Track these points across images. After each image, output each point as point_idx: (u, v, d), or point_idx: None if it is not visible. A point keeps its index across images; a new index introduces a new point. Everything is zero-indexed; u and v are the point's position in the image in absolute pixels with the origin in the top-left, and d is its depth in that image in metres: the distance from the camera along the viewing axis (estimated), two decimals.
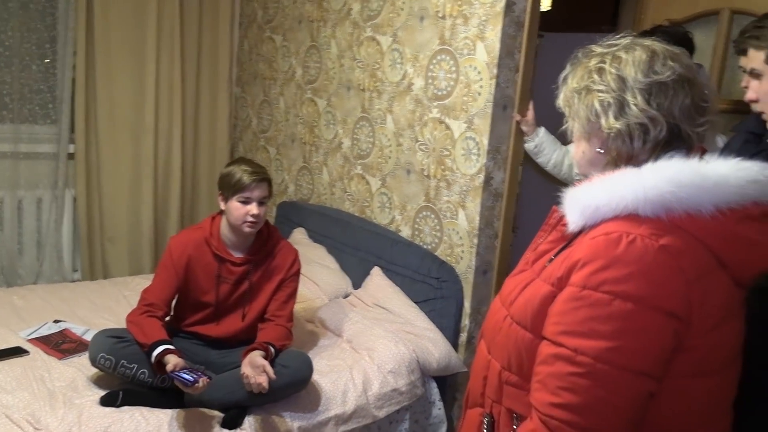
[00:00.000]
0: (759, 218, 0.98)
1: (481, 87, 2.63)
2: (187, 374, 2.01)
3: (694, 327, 0.94)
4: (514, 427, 1.07)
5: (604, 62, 1.05)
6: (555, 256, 1.07)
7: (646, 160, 1.01)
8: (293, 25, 3.83)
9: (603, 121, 1.04)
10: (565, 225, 1.07)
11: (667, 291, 0.93)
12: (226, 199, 2.33)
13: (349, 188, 3.46)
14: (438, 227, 2.90)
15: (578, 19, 3.65)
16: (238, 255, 2.39)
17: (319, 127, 3.66)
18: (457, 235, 2.80)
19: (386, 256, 3.04)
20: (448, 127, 2.80)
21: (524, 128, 2.65)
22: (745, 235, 0.97)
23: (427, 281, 2.82)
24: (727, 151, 1.72)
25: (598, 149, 1.07)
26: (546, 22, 2.68)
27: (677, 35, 2.28)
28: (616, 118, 1.02)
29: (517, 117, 2.65)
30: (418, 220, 3.01)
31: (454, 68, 2.75)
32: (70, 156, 3.90)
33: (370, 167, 3.28)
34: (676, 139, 1.02)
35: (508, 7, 2.53)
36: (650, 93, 1.01)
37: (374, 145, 3.25)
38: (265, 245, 2.43)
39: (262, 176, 2.33)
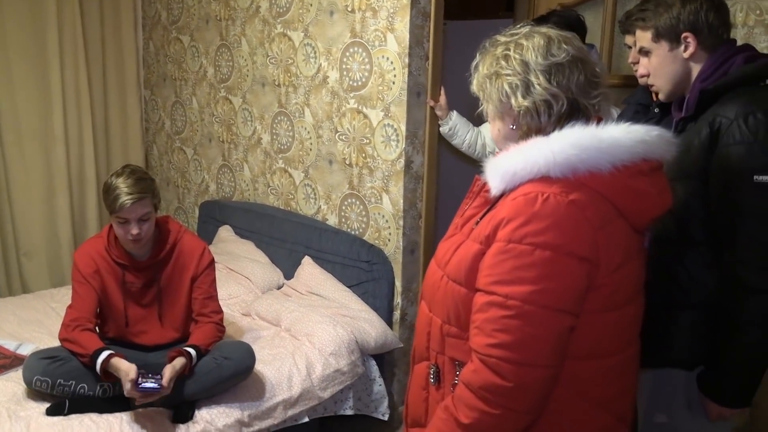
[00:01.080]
0: (648, 173, 1.16)
1: (394, 76, 2.77)
2: (149, 383, 2.02)
3: (602, 268, 1.11)
4: (457, 372, 1.21)
5: (509, 49, 1.20)
6: (481, 218, 1.21)
7: (552, 131, 1.16)
8: (200, 24, 3.83)
9: (513, 101, 1.19)
10: (487, 191, 1.21)
11: (578, 239, 1.09)
12: (110, 214, 2.24)
13: (272, 182, 3.52)
14: (364, 213, 3.02)
15: (476, 6, 3.85)
16: (139, 260, 2.33)
17: (237, 124, 3.69)
18: (383, 218, 2.93)
19: (315, 245, 3.14)
20: (366, 117, 2.92)
21: (438, 113, 2.81)
22: (637, 188, 1.15)
23: (357, 265, 2.94)
24: (620, 121, 1.92)
25: (511, 126, 1.22)
26: (446, 11, 2.83)
27: (571, 19, 2.49)
28: (524, 97, 1.17)
29: (431, 102, 2.80)
30: (343, 207, 3.12)
31: (367, 60, 2.88)
32: None
33: (292, 160, 3.36)
34: (576, 111, 1.18)
35: None
36: (550, 73, 1.16)
37: (294, 139, 3.33)
38: (166, 244, 2.36)
39: (140, 195, 2.18)
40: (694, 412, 1.56)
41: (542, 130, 1.17)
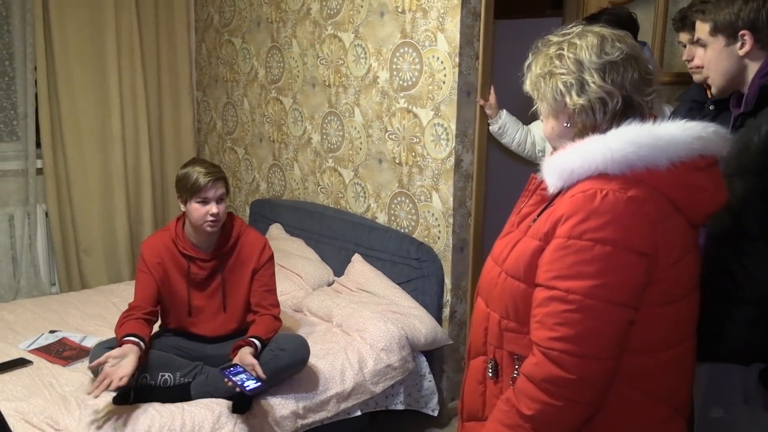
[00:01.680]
0: (705, 168, 1.17)
1: (444, 76, 2.80)
2: (252, 383, 2.08)
3: (660, 262, 1.12)
4: (516, 366, 1.24)
5: (562, 49, 1.22)
6: (538, 216, 1.24)
7: (607, 129, 1.18)
8: (252, 27, 3.93)
9: (567, 99, 1.21)
10: (544, 189, 1.24)
11: (637, 234, 1.11)
12: (185, 202, 2.37)
13: (321, 181, 3.59)
14: (413, 211, 3.06)
15: (523, 5, 3.84)
16: (205, 252, 2.44)
17: (287, 124, 3.77)
18: (433, 216, 2.97)
19: (365, 243, 3.19)
20: (416, 116, 2.96)
21: (488, 111, 2.83)
22: (694, 183, 1.16)
23: (407, 263, 2.98)
24: (675, 118, 1.92)
25: (566, 124, 1.24)
26: (499, 9, 2.85)
27: (622, 16, 2.47)
28: (579, 96, 1.19)
29: (481, 101, 2.83)
30: (393, 206, 3.16)
31: (417, 60, 2.91)
32: (39, 171, 3.92)
33: (342, 159, 3.42)
34: (630, 108, 1.19)
35: None
36: (604, 71, 1.18)
37: (344, 138, 3.39)
38: (230, 237, 2.47)
39: (218, 175, 2.36)
40: (752, 406, 1.55)
41: (597, 128, 1.19)
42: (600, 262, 1.10)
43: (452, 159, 2.83)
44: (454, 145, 2.82)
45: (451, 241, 2.90)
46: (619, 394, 1.17)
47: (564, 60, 1.20)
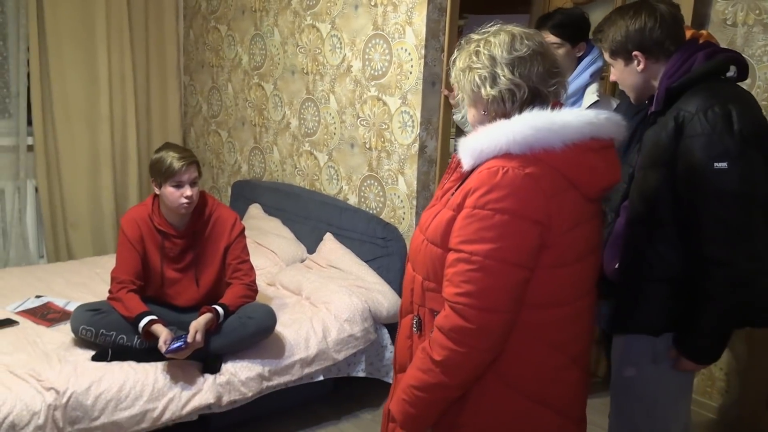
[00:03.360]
0: (597, 150, 1.35)
1: (412, 66, 2.98)
2: (175, 343, 2.30)
3: (553, 230, 1.30)
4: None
5: (479, 46, 1.39)
6: (456, 190, 1.42)
7: (516, 116, 1.36)
8: (237, 15, 4.09)
9: (482, 91, 1.38)
10: (462, 167, 1.42)
11: (532, 205, 1.29)
12: (159, 185, 2.50)
13: (298, 164, 3.77)
14: (381, 193, 3.25)
15: (498, 2, 4.01)
16: (178, 230, 2.58)
17: (268, 109, 3.94)
18: (398, 198, 3.15)
19: (336, 223, 3.38)
20: (385, 104, 3.14)
21: (452, 101, 3.00)
22: (587, 163, 1.34)
23: (374, 242, 3.17)
24: (618, 111, 2.10)
25: (482, 112, 1.42)
26: (471, 5, 3.01)
27: (574, 16, 2.63)
28: (491, 87, 1.37)
29: (445, 92, 3.00)
30: (363, 188, 3.35)
31: (387, 51, 3.09)
32: (30, 148, 4.09)
33: (317, 143, 3.60)
34: (537, 97, 1.37)
35: None
36: (513, 65, 1.35)
37: (320, 123, 3.57)
38: (203, 215, 2.61)
39: (191, 160, 2.47)
40: (659, 365, 1.75)
41: (507, 115, 1.37)
42: (499, 228, 1.28)
43: (417, 145, 3.02)
44: (418, 131, 3.00)
45: (414, 222, 3.09)
46: (521, 344, 1.36)
47: (480, 56, 1.38)
